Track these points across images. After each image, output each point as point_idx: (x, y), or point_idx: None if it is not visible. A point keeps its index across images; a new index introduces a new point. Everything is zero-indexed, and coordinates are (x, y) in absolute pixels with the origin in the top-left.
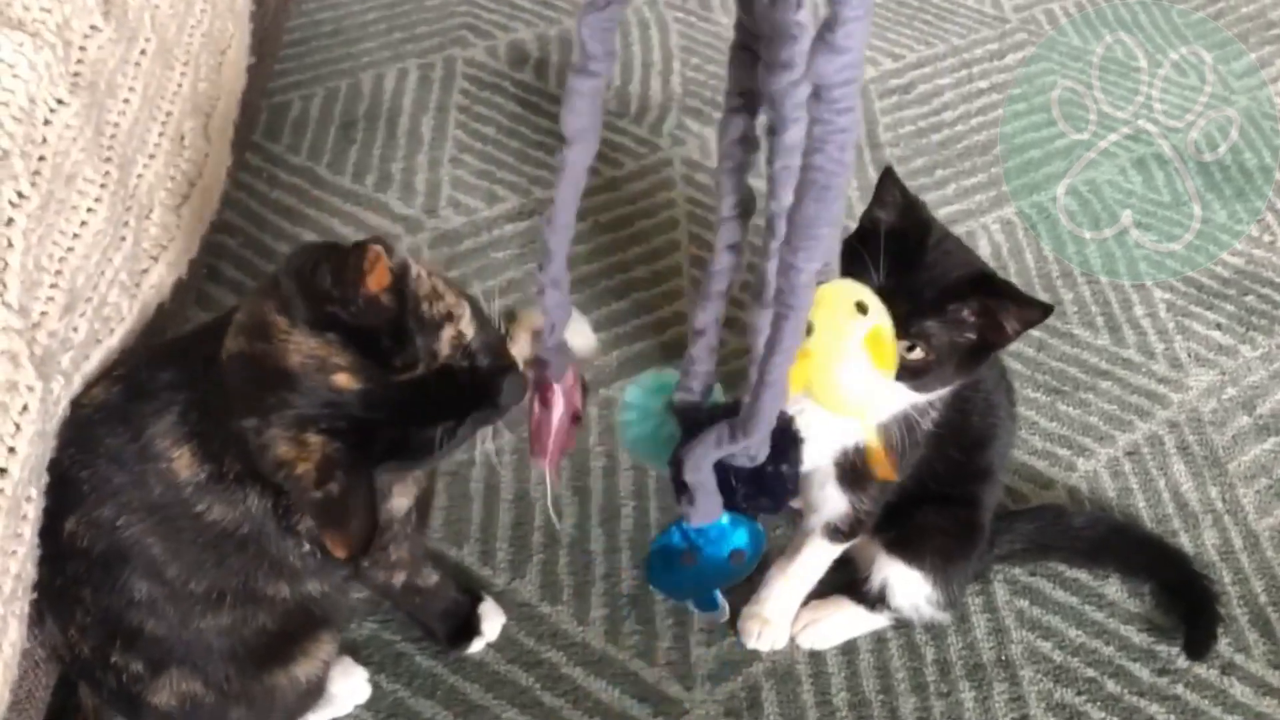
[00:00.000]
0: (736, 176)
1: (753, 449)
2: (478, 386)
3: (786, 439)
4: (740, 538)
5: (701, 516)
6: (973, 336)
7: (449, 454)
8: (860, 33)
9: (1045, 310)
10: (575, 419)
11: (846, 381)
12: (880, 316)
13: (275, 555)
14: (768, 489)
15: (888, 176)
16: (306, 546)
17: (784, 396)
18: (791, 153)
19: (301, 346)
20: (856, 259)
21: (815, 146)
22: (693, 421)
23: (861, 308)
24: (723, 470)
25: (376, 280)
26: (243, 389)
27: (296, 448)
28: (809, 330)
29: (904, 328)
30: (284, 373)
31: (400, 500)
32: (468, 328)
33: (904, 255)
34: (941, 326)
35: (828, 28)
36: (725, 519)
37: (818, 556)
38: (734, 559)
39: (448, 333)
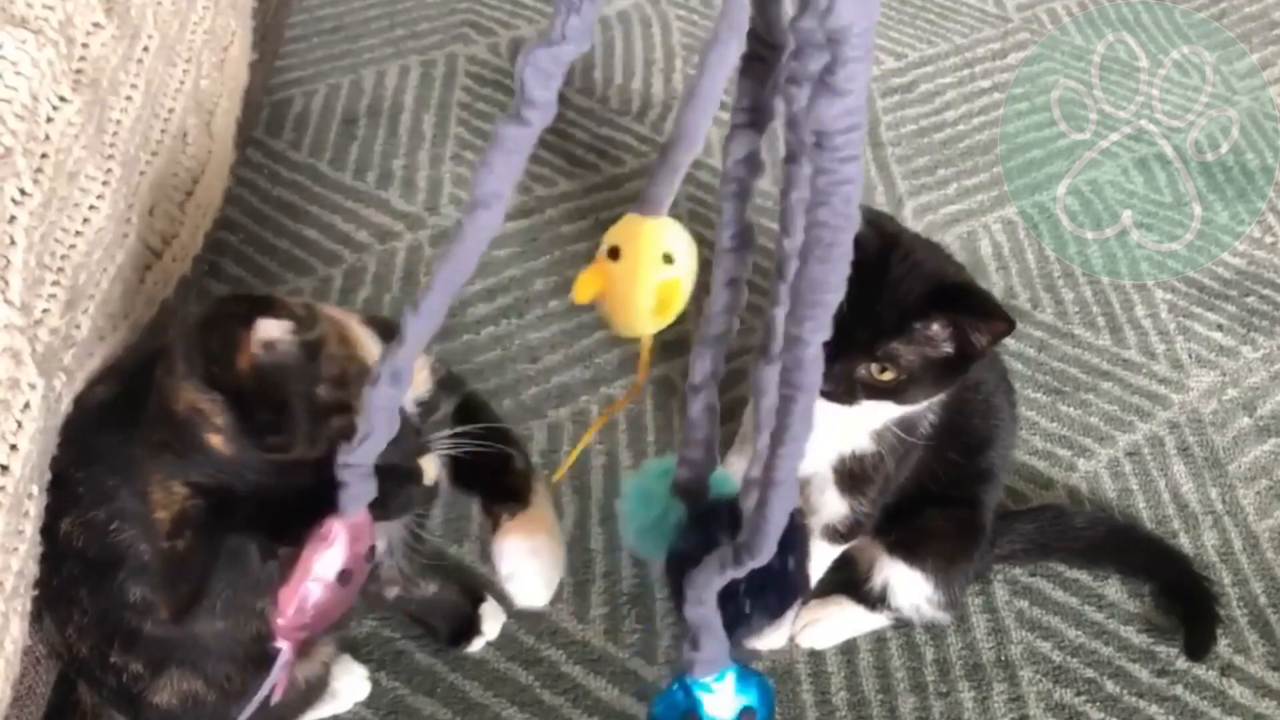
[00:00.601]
0: (738, 203)
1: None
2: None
3: (793, 529)
4: (750, 695)
5: (706, 666)
6: (949, 350)
7: None
8: (863, 75)
9: (1009, 323)
10: (345, 578)
11: (629, 318)
12: (682, 269)
13: (259, 575)
14: (777, 585)
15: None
16: None
17: (795, 497)
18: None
19: (188, 397)
20: None
21: (819, 200)
22: (698, 507)
23: (669, 259)
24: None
25: (244, 358)
26: (150, 415)
27: (163, 493)
28: (616, 254)
29: (869, 351)
30: (171, 415)
31: (380, 540)
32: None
33: (866, 274)
34: (909, 346)
35: (828, 70)
36: (734, 673)
37: (817, 558)
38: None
39: (337, 423)
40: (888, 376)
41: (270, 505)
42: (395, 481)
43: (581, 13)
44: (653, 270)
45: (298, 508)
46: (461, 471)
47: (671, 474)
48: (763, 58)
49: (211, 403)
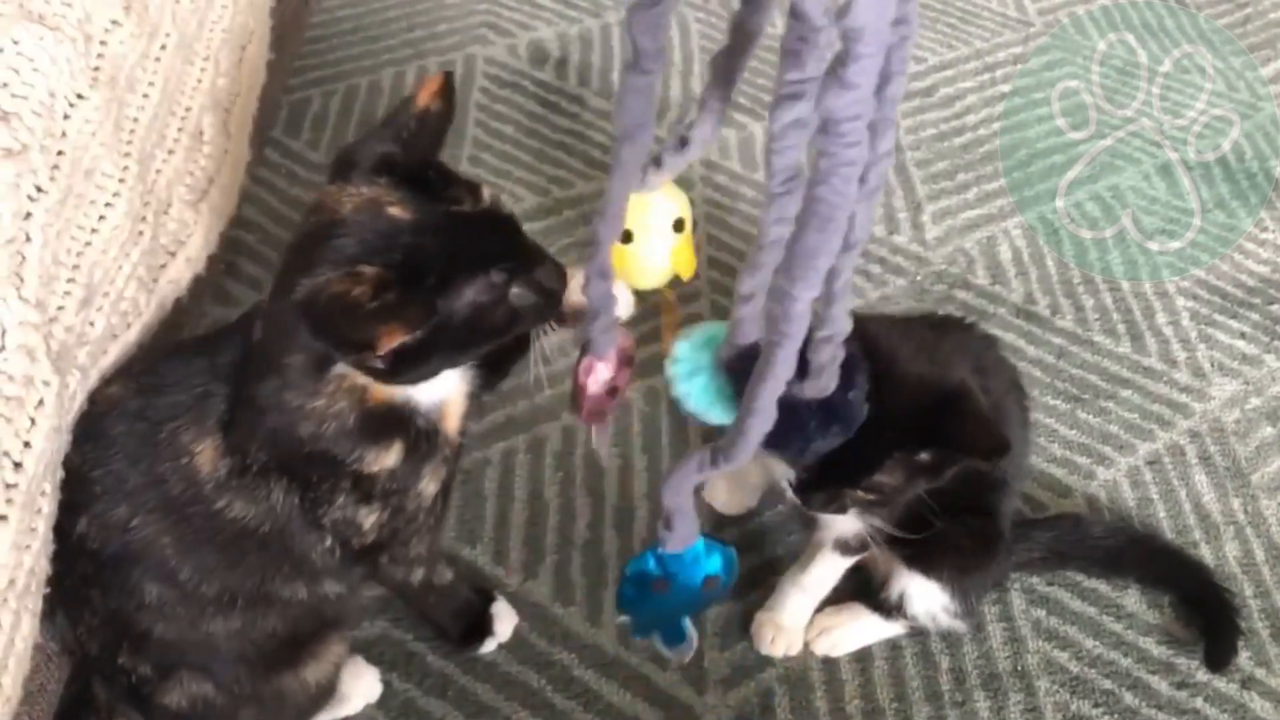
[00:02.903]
0: (792, 154)
1: (811, 389)
2: (524, 248)
3: (852, 365)
4: (714, 563)
5: (678, 542)
6: (930, 458)
7: (506, 330)
8: (872, 69)
9: (1001, 454)
10: (614, 391)
11: (650, 276)
12: (687, 224)
13: (297, 554)
14: (840, 416)
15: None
16: (329, 542)
17: (771, 421)
18: (891, 104)
19: (355, 196)
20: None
21: (820, 179)
22: (744, 372)
23: (679, 226)
24: (791, 406)
25: (427, 92)
26: (292, 265)
27: (350, 281)
28: (629, 238)
29: (853, 480)
30: (337, 223)
31: (430, 485)
32: (503, 200)
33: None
34: (892, 471)
35: (840, 63)
36: (700, 544)
37: (829, 569)
38: (707, 585)
39: (487, 190)
40: (871, 498)
41: (459, 253)
42: (543, 255)
43: None
44: (665, 239)
45: (478, 263)
46: None
47: (716, 342)
48: (804, 38)
49: (380, 186)
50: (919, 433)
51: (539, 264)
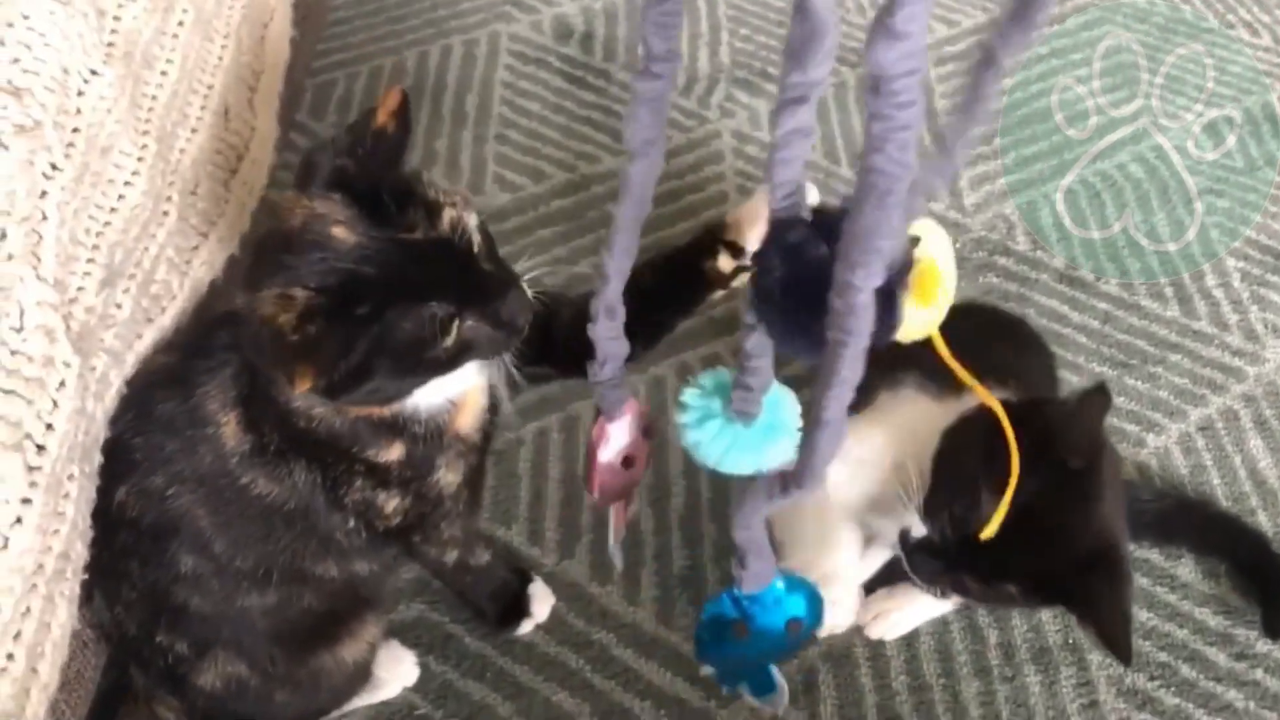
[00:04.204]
0: (796, 165)
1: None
2: (478, 280)
3: (902, 261)
4: (797, 604)
5: (754, 581)
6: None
7: (454, 362)
8: (922, 16)
9: (1124, 660)
10: (629, 463)
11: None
12: (932, 248)
13: (323, 532)
14: (877, 313)
15: (1094, 408)
16: (353, 523)
17: (843, 435)
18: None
19: (306, 209)
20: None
21: (874, 146)
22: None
23: (913, 241)
24: (814, 270)
25: (385, 111)
26: (246, 276)
27: (280, 304)
28: None
29: (985, 576)
30: (284, 237)
31: (448, 476)
32: (470, 219)
33: (1041, 506)
34: (1022, 587)
35: (886, 11)
36: (781, 584)
37: (882, 557)
38: (790, 629)
39: (448, 214)
40: (981, 589)
41: (397, 283)
42: (506, 283)
43: None
44: None
45: (419, 296)
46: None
47: (726, 388)
48: (810, 38)
49: (332, 201)
50: (1063, 582)
51: (498, 296)
